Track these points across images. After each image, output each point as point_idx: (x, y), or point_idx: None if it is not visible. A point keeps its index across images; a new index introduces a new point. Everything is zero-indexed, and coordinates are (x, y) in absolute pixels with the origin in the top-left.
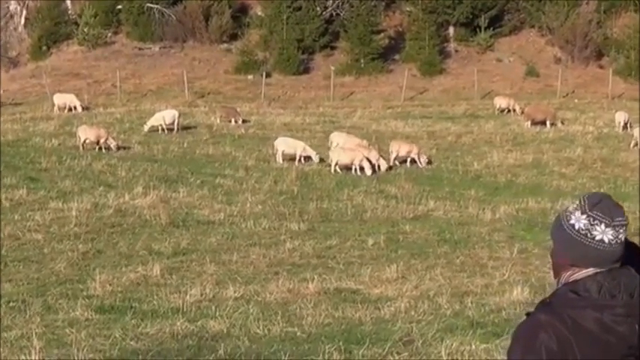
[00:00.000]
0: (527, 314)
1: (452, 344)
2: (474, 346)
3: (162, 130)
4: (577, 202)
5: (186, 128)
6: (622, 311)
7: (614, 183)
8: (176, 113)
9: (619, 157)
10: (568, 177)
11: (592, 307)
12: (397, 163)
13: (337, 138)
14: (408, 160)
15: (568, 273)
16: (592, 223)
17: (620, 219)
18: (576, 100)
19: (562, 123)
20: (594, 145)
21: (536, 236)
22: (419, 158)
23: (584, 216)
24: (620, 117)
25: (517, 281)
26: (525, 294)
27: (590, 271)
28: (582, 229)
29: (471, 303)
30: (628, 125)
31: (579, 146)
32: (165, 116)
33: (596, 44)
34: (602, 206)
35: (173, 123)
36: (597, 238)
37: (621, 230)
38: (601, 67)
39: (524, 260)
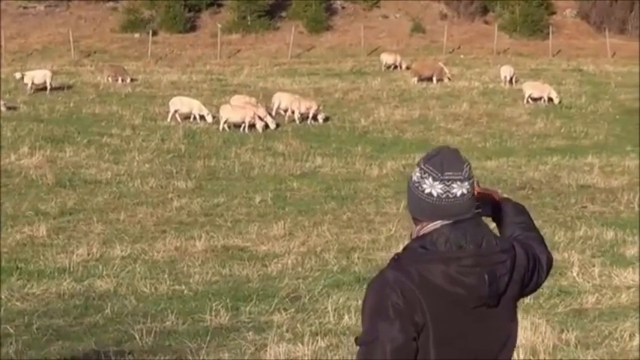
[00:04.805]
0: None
1: (338, 300)
2: (360, 302)
3: (31, 89)
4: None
5: (71, 87)
6: (469, 262)
7: (499, 137)
8: (48, 73)
9: (504, 111)
10: (454, 132)
11: (439, 260)
12: (297, 120)
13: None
14: (310, 116)
15: (418, 227)
16: (422, 176)
17: (451, 173)
18: (462, 56)
19: (448, 79)
20: (480, 101)
21: None
22: (317, 115)
23: (418, 169)
24: (506, 72)
25: (403, 236)
26: None
27: (438, 224)
28: (415, 182)
29: (358, 259)
30: (513, 80)
31: (465, 102)
32: (35, 76)
33: (482, 0)
34: (436, 160)
35: (44, 83)
36: (426, 191)
37: (455, 185)
38: (487, 22)
39: None
